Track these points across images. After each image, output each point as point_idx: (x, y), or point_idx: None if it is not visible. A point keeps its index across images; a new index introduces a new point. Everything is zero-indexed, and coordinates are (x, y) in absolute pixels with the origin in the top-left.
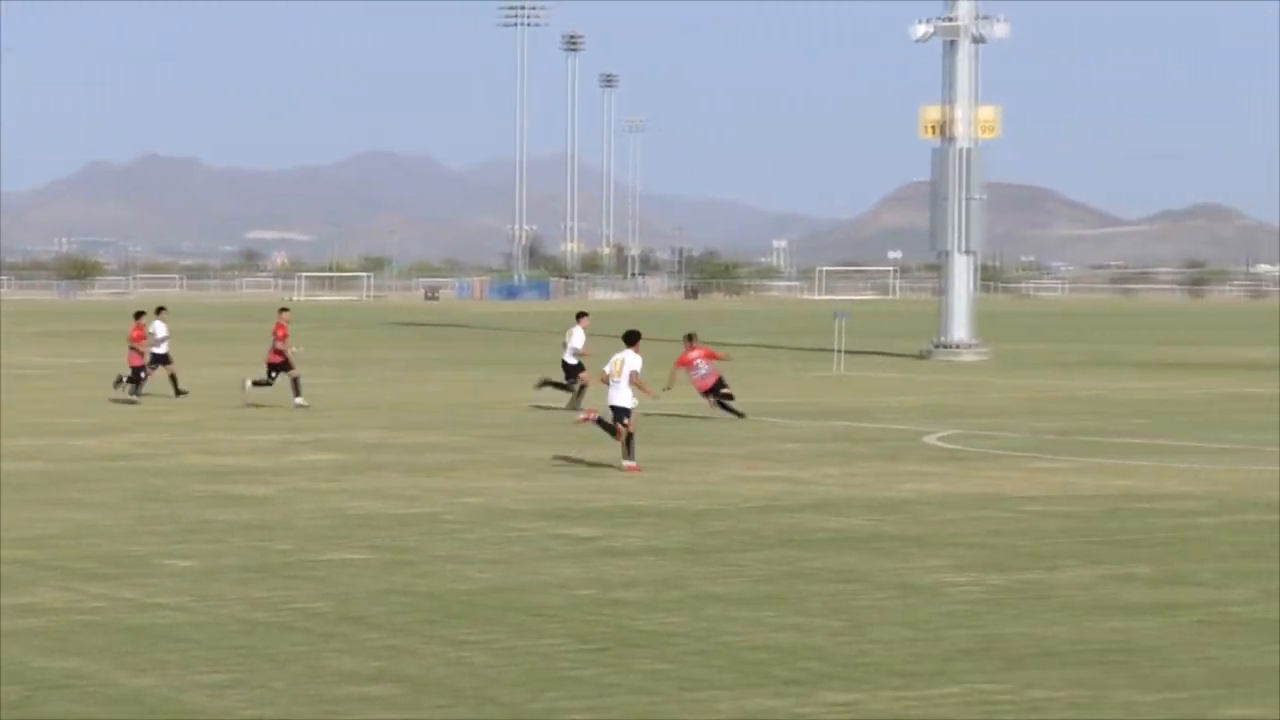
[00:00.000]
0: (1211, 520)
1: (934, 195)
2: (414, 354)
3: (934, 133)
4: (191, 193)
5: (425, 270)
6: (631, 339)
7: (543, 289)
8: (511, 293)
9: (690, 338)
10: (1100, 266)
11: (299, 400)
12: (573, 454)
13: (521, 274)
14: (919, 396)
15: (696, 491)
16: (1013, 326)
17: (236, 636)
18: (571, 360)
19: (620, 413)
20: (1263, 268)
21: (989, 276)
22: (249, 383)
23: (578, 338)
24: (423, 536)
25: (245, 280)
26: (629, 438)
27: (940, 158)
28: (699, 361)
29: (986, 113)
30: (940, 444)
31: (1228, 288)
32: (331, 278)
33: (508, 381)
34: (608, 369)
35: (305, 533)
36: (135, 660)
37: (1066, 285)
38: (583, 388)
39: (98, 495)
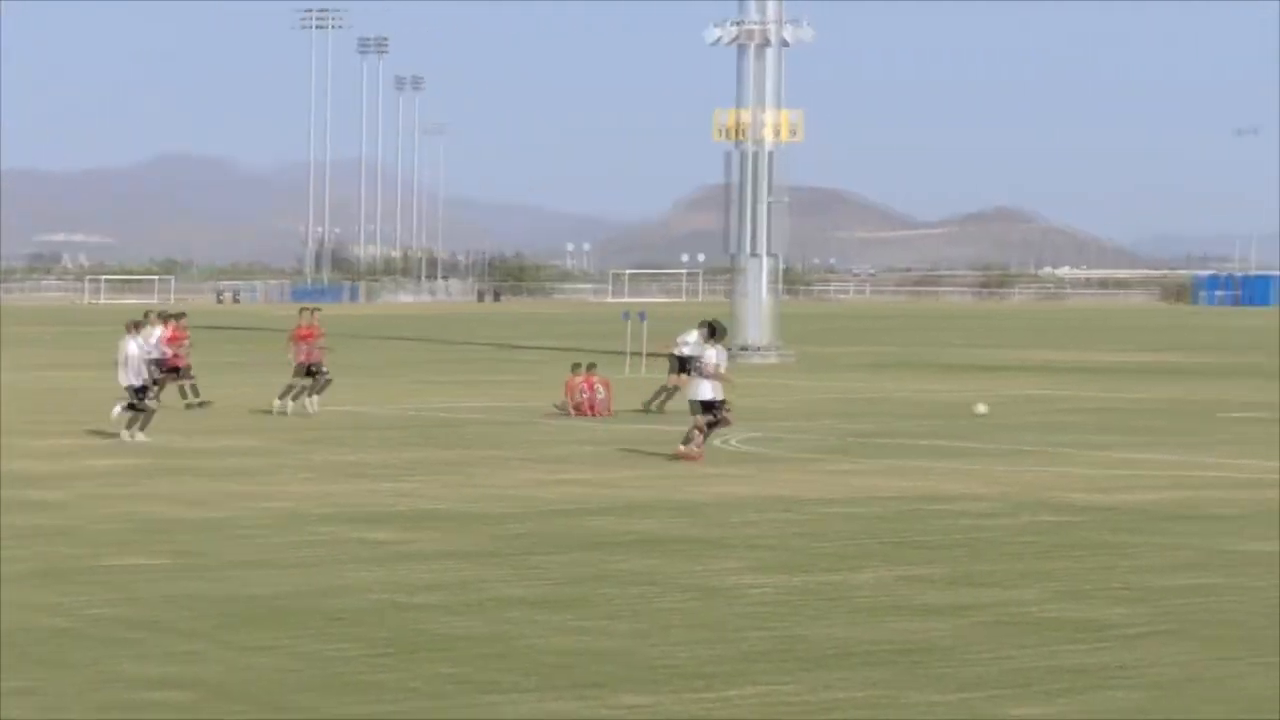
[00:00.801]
0: (1005, 522)
1: (727, 198)
2: (210, 358)
3: (727, 136)
4: None
5: (227, 273)
6: (714, 333)
7: (342, 292)
8: (310, 296)
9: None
10: (899, 269)
11: (312, 406)
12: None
13: (322, 277)
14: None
15: (496, 495)
16: (813, 329)
17: (27, 644)
18: (686, 353)
19: (707, 405)
20: (1065, 270)
21: (790, 279)
22: (283, 399)
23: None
24: (219, 541)
25: (43, 283)
26: (711, 425)
27: (736, 160)
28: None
29: (786, 116)
30: (741, 446)
31: (1024, 290)
32: (132, 281)
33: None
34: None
35: (99, 538)
36: None
37: (867, 288)
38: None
39: None
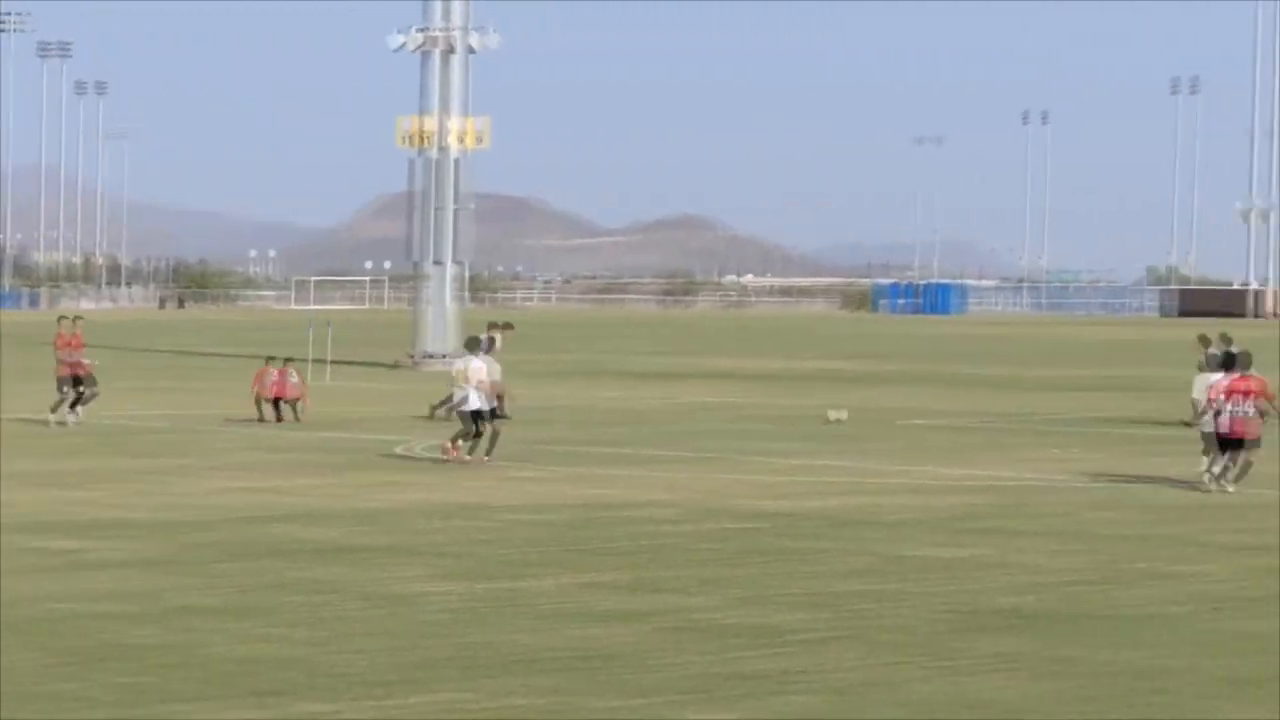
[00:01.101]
0: (688, 528)
1: (410, 205)
2: None
3: (411, 142)
4: None
5: None
6: (473, 345)
7: (21, 299)
8: None
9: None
10: (585, 276)
11: (74, 417)
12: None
13: (2, 283)
14: (404, 406)
15: (180, 503)
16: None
17: None
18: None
19: (476, 415)
20: (749, 278)
21: (476, 287)
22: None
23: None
24: None
25: None
26: (480, 436)
27: (421, 167)
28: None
29: (472, 123)
30: (425, 454)
31: (708, 298)
32: None
33: None
34: (453, 373)
35: None
36: None
37: (553, 295)
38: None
39: None
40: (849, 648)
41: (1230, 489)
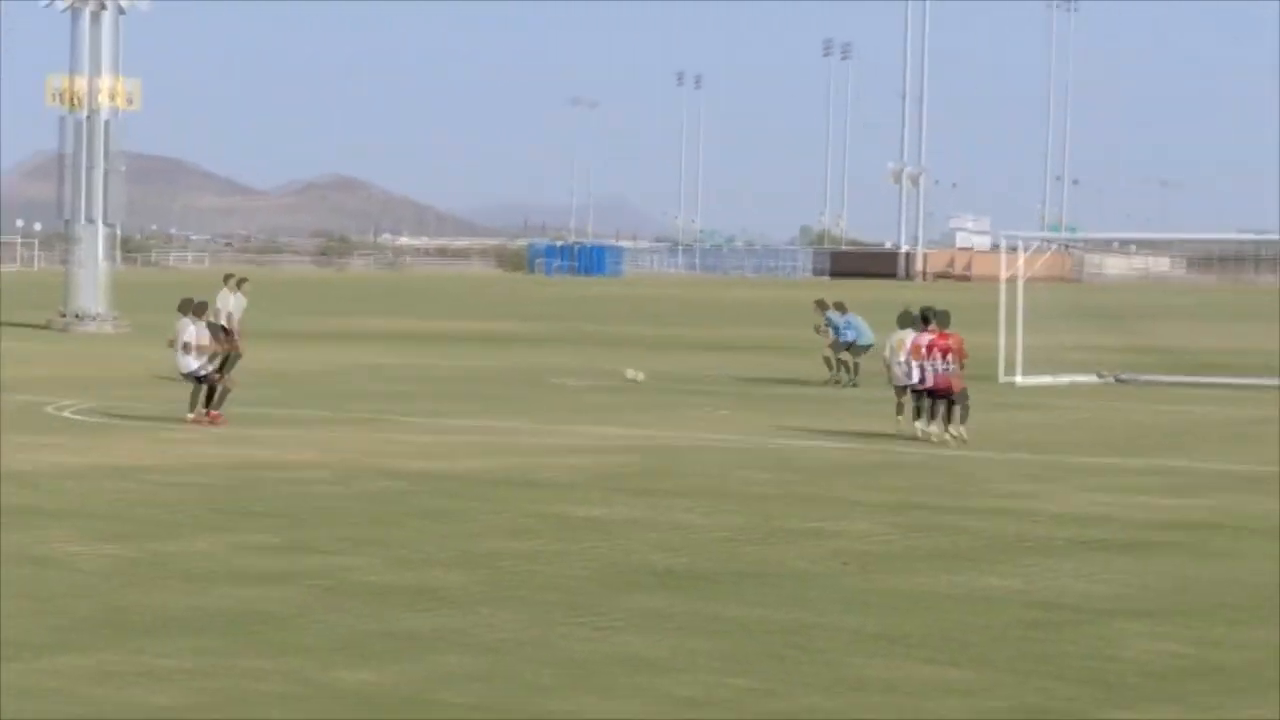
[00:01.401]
0: (339, 489)
1: (61, 165)
2: None
3: (61, 101)
4: None
5: None
6: (185, 308)
7: None
8: None
9: None
10: (239, 237)
11: None
12: None
13: None
14: (52, 368)
15: None
16: (151, 297)
17: None
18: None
19: (198, 378)
20: (404, 239)
21: (129, 248)
22: None
23: (236, 302)
24: None
25: None
26: (210, 391)
27: (71, 127)
28: None
29: (122, 83)
30: (72, 416)
31: (363, 257)
32: None
33: None
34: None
35: None
36: None
37: (206, 257)
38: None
39: None
40: (504, 607)
41: (966, 437)
